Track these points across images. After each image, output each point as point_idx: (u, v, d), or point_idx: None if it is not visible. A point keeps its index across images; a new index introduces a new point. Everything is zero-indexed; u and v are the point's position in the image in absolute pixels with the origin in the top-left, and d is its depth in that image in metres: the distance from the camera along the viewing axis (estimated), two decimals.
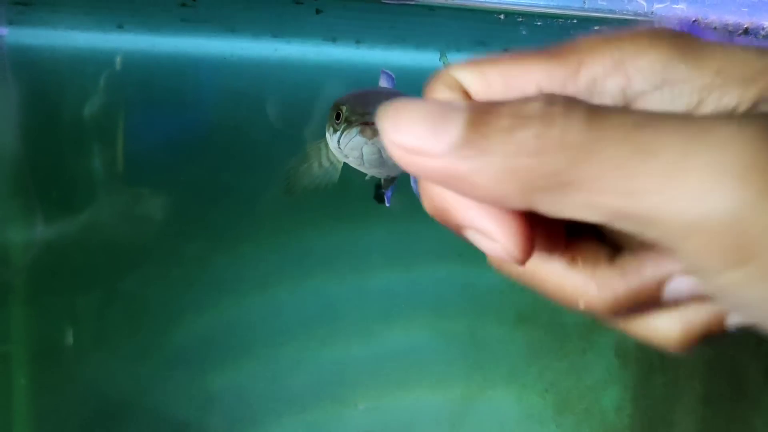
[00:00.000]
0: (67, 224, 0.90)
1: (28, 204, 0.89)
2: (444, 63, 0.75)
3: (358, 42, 0.92)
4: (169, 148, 0.95)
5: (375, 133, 0.54)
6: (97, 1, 0.77)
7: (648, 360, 1.20)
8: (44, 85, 0.91)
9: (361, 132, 0.55)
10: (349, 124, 0.56)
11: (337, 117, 0.58)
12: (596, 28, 0.72)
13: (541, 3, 0.75)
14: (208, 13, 0.81)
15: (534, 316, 1.17)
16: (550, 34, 0.81)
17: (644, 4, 0.64)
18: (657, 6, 0.64)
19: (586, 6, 0.72)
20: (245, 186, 0.97)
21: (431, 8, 0.76)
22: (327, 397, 1.08)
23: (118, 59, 0.91)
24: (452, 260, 1.09)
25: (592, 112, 0.18)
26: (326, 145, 0.64)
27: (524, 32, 0.87)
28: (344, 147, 0.58)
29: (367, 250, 1.07)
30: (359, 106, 0.57)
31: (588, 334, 1.19)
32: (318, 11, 0.77)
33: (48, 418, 0.97)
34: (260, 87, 0.96)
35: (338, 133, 0.57)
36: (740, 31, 0.61)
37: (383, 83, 0.69)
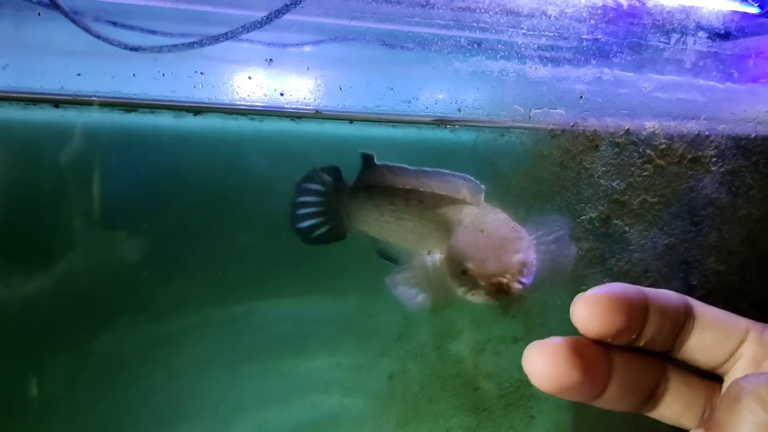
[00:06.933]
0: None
1: None
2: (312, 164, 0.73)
3: None
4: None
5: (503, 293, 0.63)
6: None
7: None
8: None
9: (495, 296, 0.63)
10: (477, 287, 0.63)
11: (464, 273, 0.64)
12: (475, 130, 0.71)
13: (420, 110, 0.74)
14: None
15: None
16: (425, 138, 0.80)
17: (522, 110, 0.64)
18: (535, 111, 0.64)
19: (462, 114, 0.71)
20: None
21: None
22: None
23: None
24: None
25: None
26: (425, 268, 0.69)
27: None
28: (470, 298, 0.65)
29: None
30: (483, 264, 0.64)
31: None
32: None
33: None
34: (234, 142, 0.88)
35: (464, 288, 0.64)
36: (621, 132, 0.62)
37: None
